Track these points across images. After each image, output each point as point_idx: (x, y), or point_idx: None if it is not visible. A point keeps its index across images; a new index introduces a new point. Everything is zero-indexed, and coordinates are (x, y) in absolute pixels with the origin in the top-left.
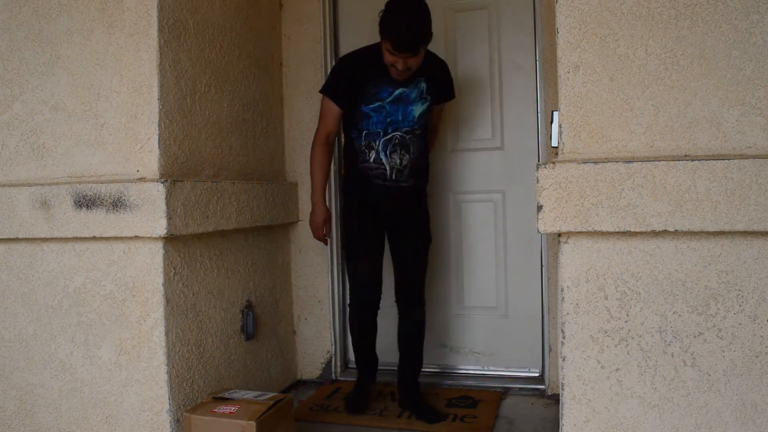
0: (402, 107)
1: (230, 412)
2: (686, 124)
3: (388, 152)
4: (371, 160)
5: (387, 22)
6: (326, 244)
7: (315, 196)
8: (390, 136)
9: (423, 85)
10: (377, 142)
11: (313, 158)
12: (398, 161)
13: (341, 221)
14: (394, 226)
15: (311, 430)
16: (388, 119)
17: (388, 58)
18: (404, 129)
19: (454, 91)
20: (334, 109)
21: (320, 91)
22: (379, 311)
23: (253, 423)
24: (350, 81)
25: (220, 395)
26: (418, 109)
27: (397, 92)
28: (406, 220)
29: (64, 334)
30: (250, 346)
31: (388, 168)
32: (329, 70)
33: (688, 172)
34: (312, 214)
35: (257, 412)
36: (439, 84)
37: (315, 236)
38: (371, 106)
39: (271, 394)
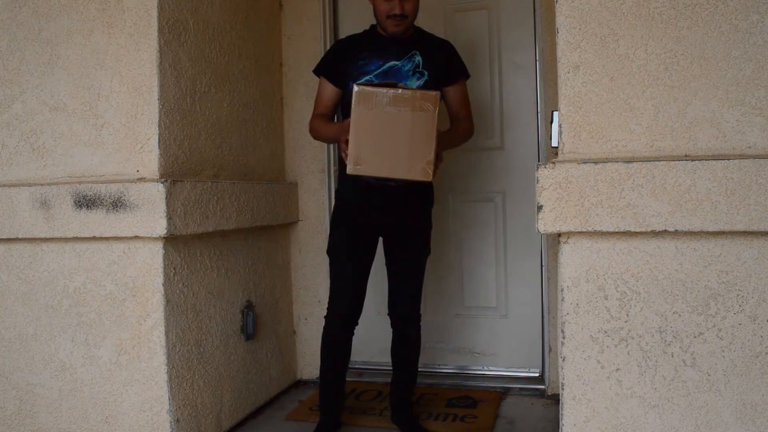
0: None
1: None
2: (686, 124)
3: None
4: None
5: None
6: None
7: (333, 130)
8: None
9: (418, 58)
10: None
11: (312, 128)
12: None
13: (330, 224)
14: (388, 234)
15: (311, 430)
16: None
17: (383, 6)
18: None
19: (466, 69)
20: (325, 88)
21: (313, 71)
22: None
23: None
24: (339, 54)
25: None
26: (413, 86)
27: (387, 65)
28: (402, 229)
29: (64, 334)
30: (250, 346)
31: None
32: None
33: (688, 172)
34: (338, 134)
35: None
36: (440, 60)
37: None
38: (359, 81)
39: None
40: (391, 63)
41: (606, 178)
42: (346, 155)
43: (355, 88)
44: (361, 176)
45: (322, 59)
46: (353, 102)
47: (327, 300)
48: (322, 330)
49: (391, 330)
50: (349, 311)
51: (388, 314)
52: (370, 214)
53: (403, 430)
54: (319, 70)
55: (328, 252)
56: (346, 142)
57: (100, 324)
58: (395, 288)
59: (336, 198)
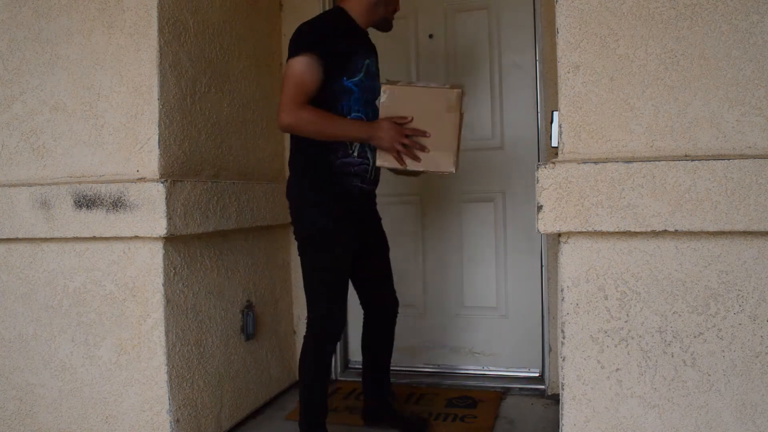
0: (371, 84)
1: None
2: (686, 124)
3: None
4: (355, 153)
5: None
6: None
7: (359, 128)
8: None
9: (376, 57)
10: None
11: (310, 122)
12: (375, 156)
13: (322, 241)
14: (367, 235)
15: None
16: (365, 98)
17: (394, 4)
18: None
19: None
20: (314, 71)
21: (293, 54)
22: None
23: (459, 90)
24: (335, 38)
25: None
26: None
27: (366, 64)
28: (375, 227)
29: (64, 334)
30: (250, 346)
31: (370, 164)
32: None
33: (688, 172)
34: (379, 132)
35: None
36: None
37: (400, 141)
38: (354, 79)
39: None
40: (367, 62)
41: (606, 178)
42: (418, 152)
43: (452, 92)
44: (352, 178)
45: (314, 37)
46: (447, 106)
47: None
48: (306, 353)
49: (371, 326)
50: (344, 320)
51: (371, 309)
52: (361, 221)
53: (403, 427)
54: (311, 49)
55: (322, 268)
56: (407, 137)
57: (100, 324)
58: (380, 283)
59: (315, 201)
